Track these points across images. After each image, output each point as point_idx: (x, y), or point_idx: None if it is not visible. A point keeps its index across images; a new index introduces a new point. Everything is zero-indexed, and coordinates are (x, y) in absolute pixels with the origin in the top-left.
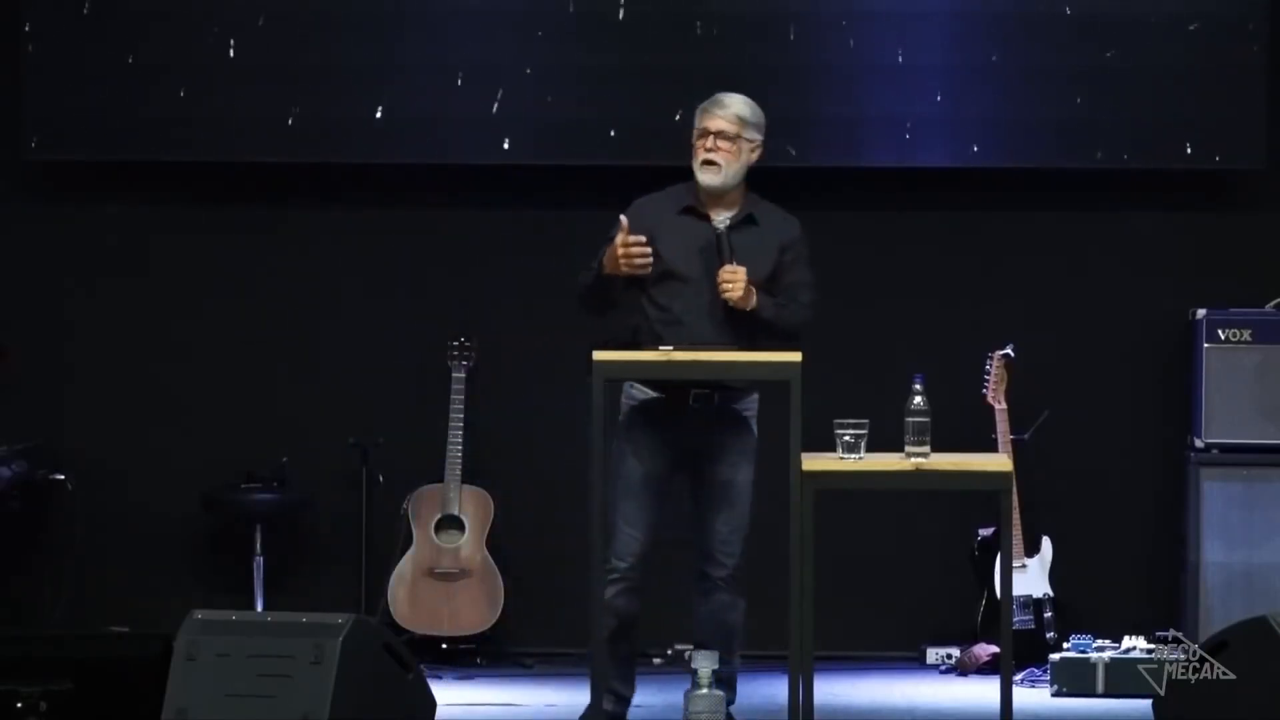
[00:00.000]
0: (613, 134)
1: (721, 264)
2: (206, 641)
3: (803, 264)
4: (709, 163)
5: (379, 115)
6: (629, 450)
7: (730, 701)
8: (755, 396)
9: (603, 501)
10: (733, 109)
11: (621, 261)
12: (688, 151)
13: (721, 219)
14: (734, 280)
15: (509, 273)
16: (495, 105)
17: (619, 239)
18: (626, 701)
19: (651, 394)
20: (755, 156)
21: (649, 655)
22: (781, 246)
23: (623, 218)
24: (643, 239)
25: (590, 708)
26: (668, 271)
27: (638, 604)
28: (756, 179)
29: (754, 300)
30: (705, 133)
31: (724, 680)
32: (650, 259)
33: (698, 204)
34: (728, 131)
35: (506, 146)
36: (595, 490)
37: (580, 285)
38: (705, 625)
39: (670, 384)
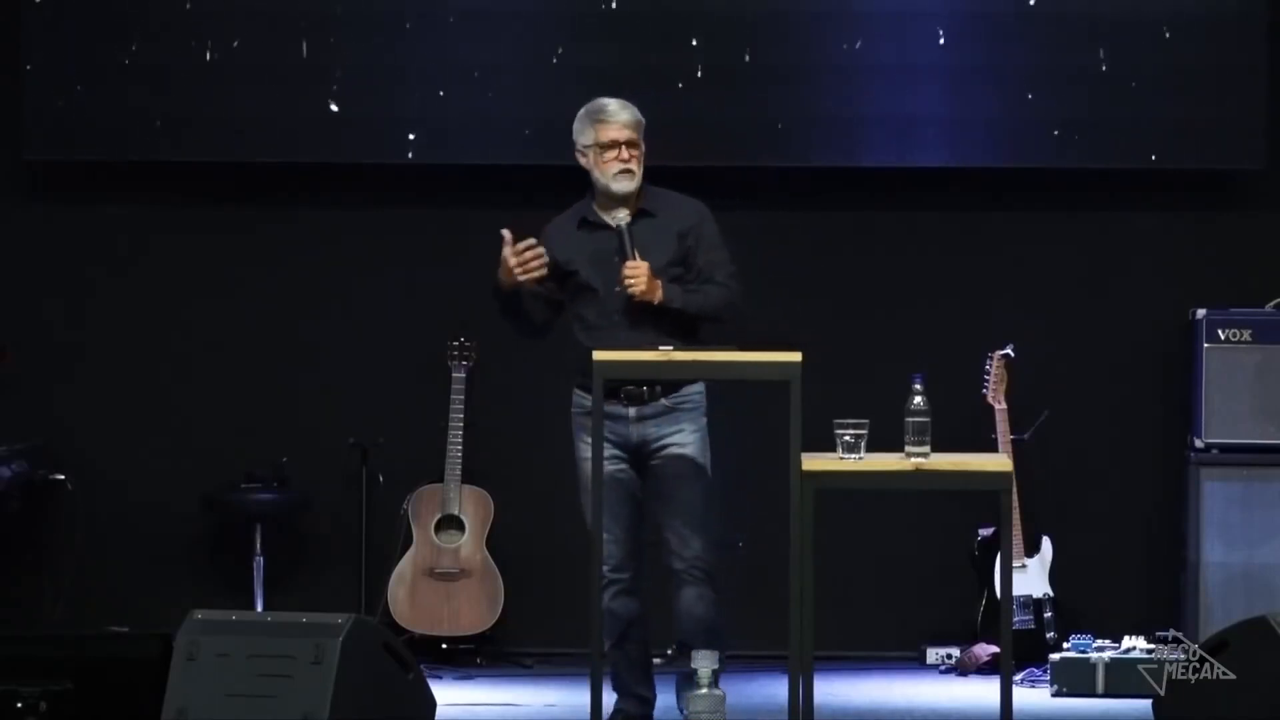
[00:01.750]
0: None
1: (623, 261)
2: (206, 641)
3: (710, 244)
4: (626, 171)
5: (378, 116)
6: (585, 455)
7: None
8: (698, 388)
9: (597, 504)
10: (629, 114)
11: (517, 270)
12: (688, 151)
13: (620, 216)
14: (635, 274)
15: None
16: (494, 105)
17: (505, 251)
18: (650, 703)
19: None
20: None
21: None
22: (680, 233)
23: (530, 239)
24: (532, 241)
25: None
26: (582, 284)
27: (635, 604)
28: (766, 178)
29: (659, 293)
30: (614, 144)
31: None
32: (545, 258)
33: (591, 214)
34: (635, 139)
35: (505, 146)
36: (593, 492)
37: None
38: (682, 622)
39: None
